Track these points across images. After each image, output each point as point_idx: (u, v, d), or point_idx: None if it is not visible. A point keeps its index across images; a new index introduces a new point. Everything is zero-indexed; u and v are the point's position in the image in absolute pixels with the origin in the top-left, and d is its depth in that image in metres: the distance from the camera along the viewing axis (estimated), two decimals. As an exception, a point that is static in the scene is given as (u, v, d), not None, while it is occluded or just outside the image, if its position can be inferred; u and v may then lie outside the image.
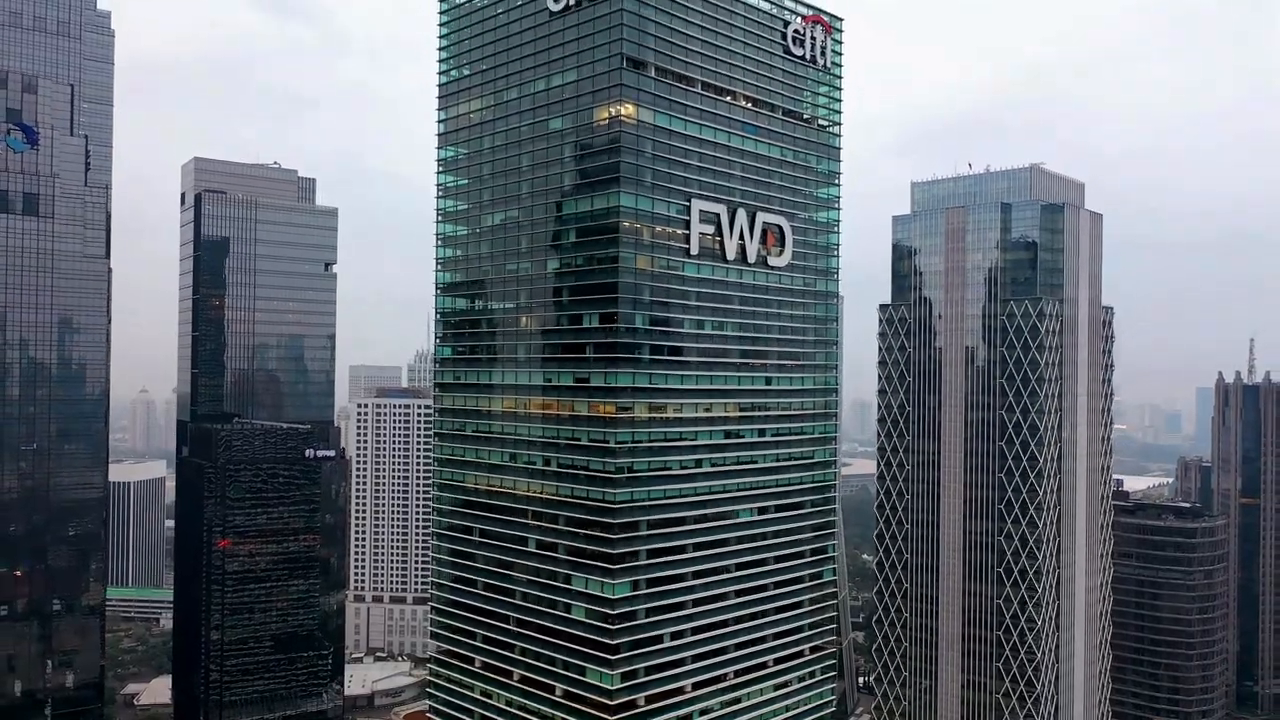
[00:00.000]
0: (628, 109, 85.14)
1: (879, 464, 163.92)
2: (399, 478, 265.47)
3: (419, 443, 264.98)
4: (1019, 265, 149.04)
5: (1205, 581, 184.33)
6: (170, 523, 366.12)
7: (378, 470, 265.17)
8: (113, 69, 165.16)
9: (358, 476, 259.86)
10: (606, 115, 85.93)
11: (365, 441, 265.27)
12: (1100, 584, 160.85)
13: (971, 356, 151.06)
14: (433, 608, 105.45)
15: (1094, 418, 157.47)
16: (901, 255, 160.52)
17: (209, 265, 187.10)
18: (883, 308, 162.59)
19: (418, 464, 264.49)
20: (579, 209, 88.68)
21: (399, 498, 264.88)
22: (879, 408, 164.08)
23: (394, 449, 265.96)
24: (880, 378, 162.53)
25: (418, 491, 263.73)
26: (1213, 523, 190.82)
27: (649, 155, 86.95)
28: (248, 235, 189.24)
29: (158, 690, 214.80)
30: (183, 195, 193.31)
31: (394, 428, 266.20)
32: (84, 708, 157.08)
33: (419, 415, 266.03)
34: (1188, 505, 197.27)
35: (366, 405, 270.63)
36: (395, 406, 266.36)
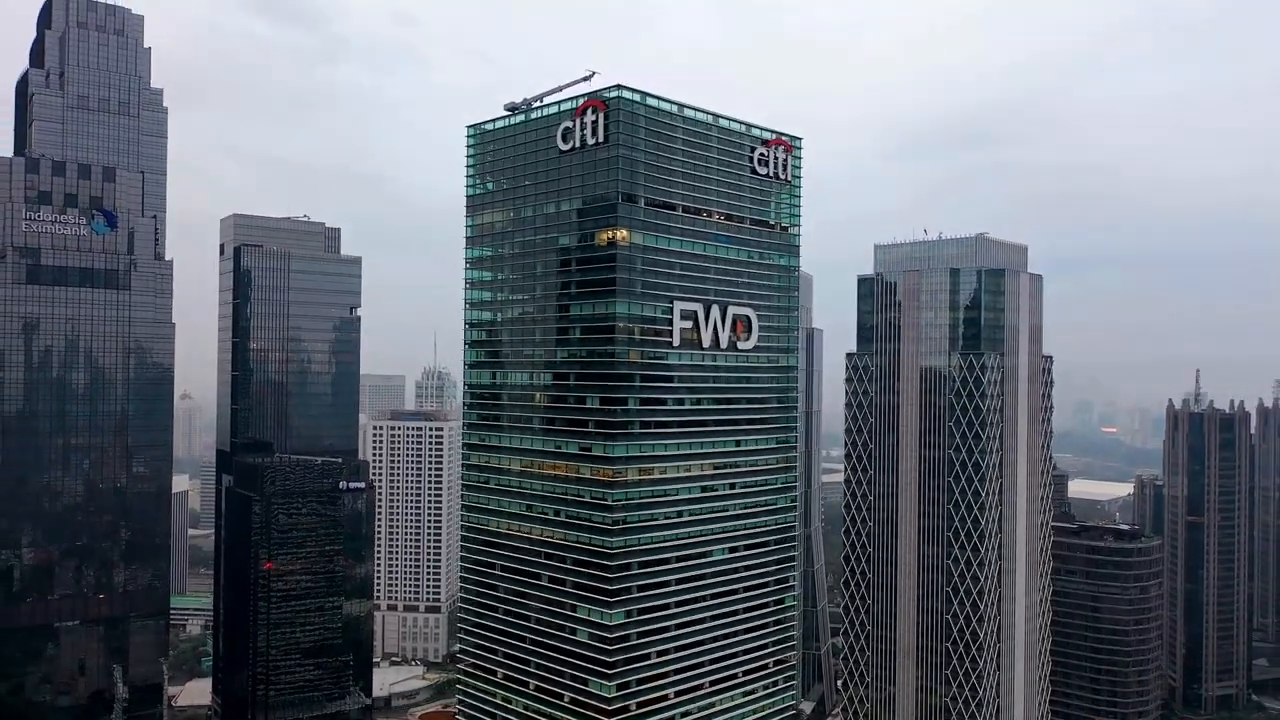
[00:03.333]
0: (622, 233, 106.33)
1: (845, 495, 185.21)
2: (413, 494, 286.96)
3: (431, 462, 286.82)
4: (966, 323, 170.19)
5: (1140, 596, 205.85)
6: (191, 532, 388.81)
7: (393, 487, 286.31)
8: (166, 142, 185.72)
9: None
10: (605, 238, 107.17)
11: (380, 460, 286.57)
12: (1040, 600, 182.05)
13: (924, 402, 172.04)
14: (461, 628, 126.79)
15: (1034, 454, 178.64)
16: (865, 310, 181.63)
17: (246, 311, 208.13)
18: (849, 356, 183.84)
19: (430, 482, 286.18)
20: (582, 312, 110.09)
21: (413, 513, 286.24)
22: (845, 445, 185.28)
23: (408, 467, 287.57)
24: (846, 418, 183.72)
25: (430, 507, 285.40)
26: (1148, 543, 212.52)
27: (639, 269, 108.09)
28: (281, 284, 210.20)
29: (194, 692, 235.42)
30: (221, 246, 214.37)
31: (408, 448, 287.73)
32: (145, 712, 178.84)
33: (431, 436, 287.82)
34: (1126, 527, 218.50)
35: (382, 427, 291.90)
36: (409, 429, 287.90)
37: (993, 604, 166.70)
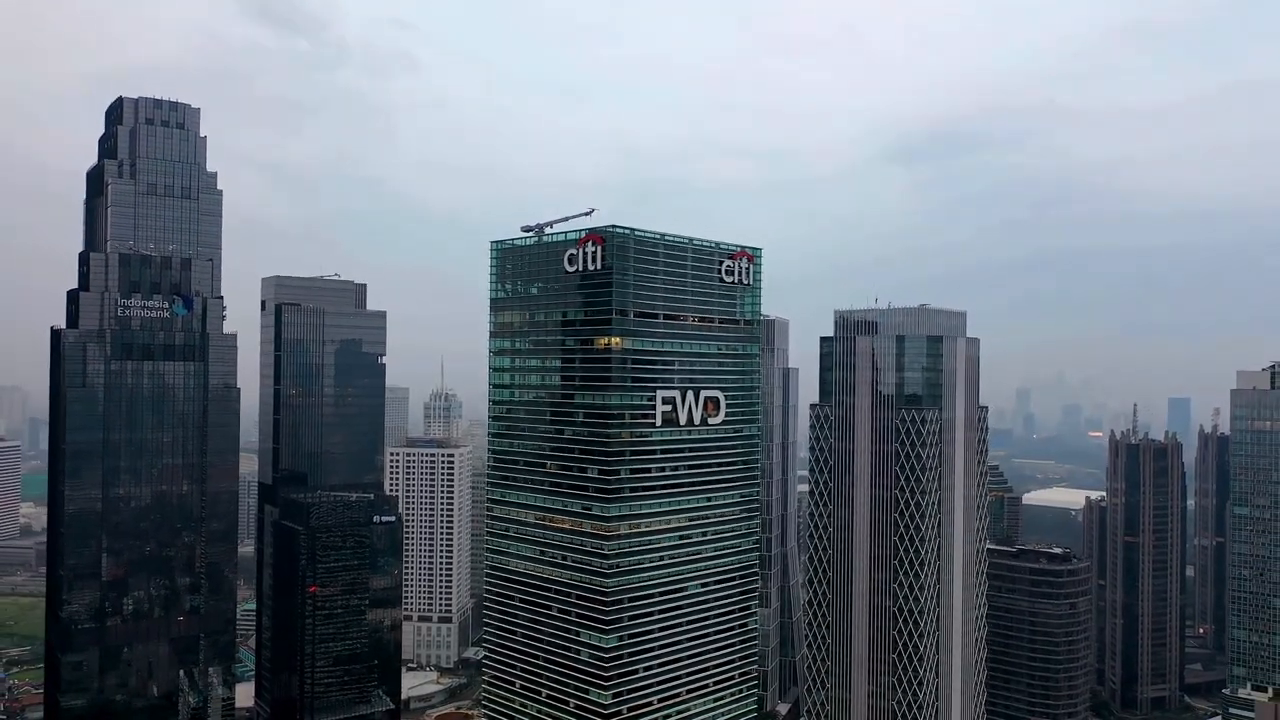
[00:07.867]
0: (616, 340, 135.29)
1: (808, 525, 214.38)
2: (426, 514, 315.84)
3: (443, 486, 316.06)
4: (910, 382, 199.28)
5: (1070, 611, 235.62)
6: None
7: (409, 507, 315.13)
8: (221, 221, 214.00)
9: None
10: (603, 343, 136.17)
11: (397, 483, 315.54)
12: (976, 617, 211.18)
13: (875, 449, 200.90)
14: (485, 644, 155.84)
15: (970, 492, 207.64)
16: (826, 367, 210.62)
17: (285, 361, 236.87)
18: (812, 407, 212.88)
19: (443, 503, 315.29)
20: (584, 400, 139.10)
21: (427, 531, 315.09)
22: (809, 483, 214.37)
23: (423, 490, 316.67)
24: (810, 461, 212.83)
25: (443, 526, 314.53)
26: (1078, 564, 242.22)
27: (630, 366, 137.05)
28: (316, 337, 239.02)
29: (237, 696, 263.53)
30: (263, 303, 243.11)
31: (423, 473, 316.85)
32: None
33: (443, 462, 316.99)
34: (1059, 550, 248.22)
35: (398, 454, 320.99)
36: (424, 455, 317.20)
37: (932, 621, 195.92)
